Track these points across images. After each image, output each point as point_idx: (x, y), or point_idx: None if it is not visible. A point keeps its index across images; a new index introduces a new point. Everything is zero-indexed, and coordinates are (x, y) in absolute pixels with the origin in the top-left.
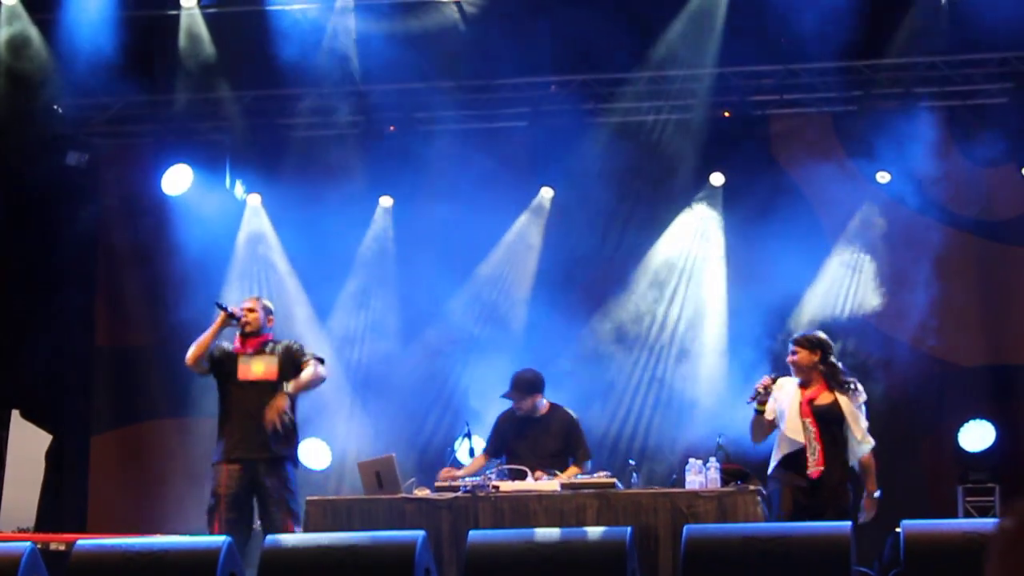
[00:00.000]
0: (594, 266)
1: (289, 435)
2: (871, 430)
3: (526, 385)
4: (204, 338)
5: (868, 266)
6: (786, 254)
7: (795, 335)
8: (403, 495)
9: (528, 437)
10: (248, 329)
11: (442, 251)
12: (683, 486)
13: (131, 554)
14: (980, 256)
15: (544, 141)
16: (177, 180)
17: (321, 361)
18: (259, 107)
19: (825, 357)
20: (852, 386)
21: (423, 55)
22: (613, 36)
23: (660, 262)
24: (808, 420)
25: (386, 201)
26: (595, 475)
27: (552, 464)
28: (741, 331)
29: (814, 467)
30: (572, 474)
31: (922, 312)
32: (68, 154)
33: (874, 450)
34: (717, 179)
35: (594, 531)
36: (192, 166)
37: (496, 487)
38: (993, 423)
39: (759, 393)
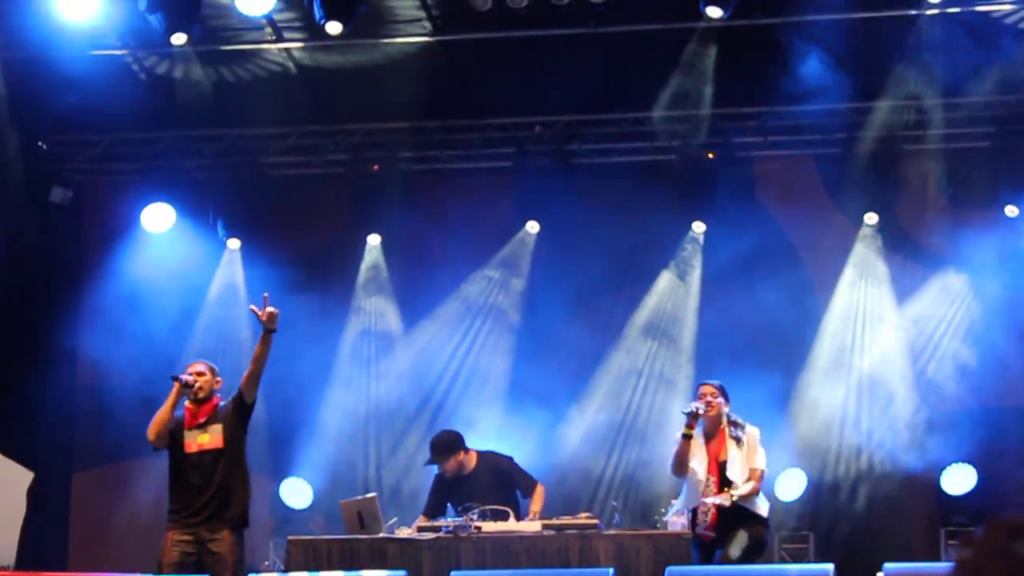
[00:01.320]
0: (581, 311)
1: (236, 500)
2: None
3: (443, 448)
4: (163, 412)
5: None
6: (770, 294)
7: (711, 380)
8: (385, 535)
9: (465, 495)
10: (200, 394)
11: (425, 289)
12: (666, 528)
13: None
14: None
15: (527, 181)
16: (158, 218)
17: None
18: (243, 145)
19: (727, 405)
20: (743, 431)
21: (406, 95)
22: (598, 77)
23: (646, 313)
24: (713, 479)
25: (374, 240)
26: (577, 516)
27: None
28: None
29: (706, 530)
30: (540, 496)
31: (899, 351)
32: (52, 190)
33: (759, 479)
34: (699, 227)
35: (576, 573)
36: (175, 204)
37: (478, 527)
38: (975, 466)
39: (694, 416)
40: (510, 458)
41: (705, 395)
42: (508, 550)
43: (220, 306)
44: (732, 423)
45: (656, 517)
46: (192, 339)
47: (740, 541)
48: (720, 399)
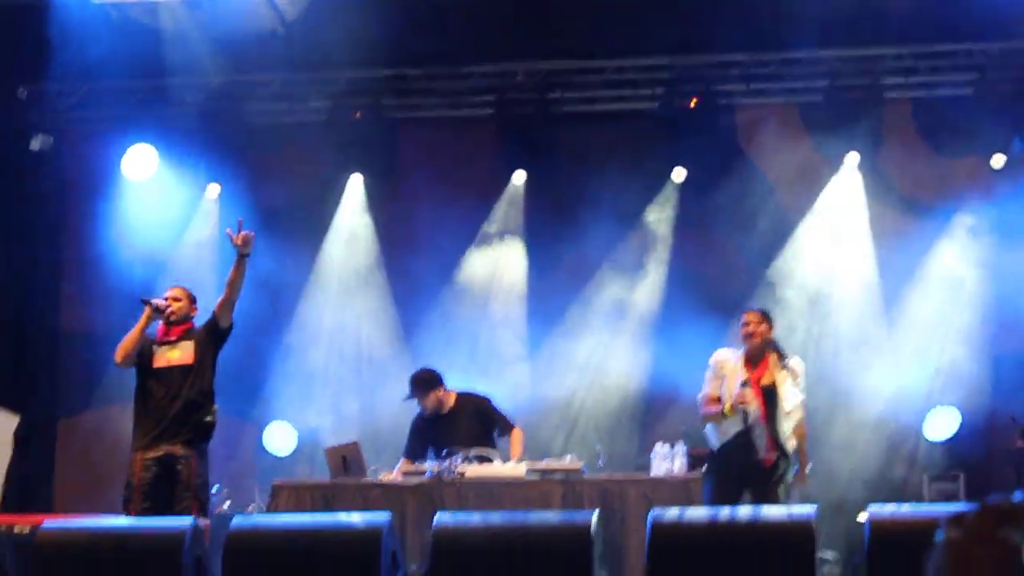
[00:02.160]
0: (566, 252)
1: (202, 423)
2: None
3: (422, 384)
4: (132, 335)
5: (834, 252)
6: (749, 240)
7: (751, 307)
8: (369, 480)
9: (444, 434)
10: (173, 318)
11: (404, 237)
12: (649, 471)
13: (96, 536)
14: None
15: (509, 129)
16: (140, 164)
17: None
18: (225, 92)
19: (773, 331)
20: (790, 362)
21: (389, 41)
22: (580, 24)
23: (626, 250)
24: (758, 403)
25: (356, 179)
26: (562, 459)
27: (479, 447)
28: (701, 314)
29: (765, 453)
30: (519, 439)
31: (880, 293)
32: (32, 138)
33: (804, 423)
34: (679, 175)
35: (559, 515)
36: (158, 150)
37: (462, 472)
38: (959, 410)
39: (738, 409)
40: (488, 398)
41: (749, 323)
42: (491, 494)
43: (195, 251)
44: (778, 351)
45: (640, 460)
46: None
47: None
48: (764, 325)
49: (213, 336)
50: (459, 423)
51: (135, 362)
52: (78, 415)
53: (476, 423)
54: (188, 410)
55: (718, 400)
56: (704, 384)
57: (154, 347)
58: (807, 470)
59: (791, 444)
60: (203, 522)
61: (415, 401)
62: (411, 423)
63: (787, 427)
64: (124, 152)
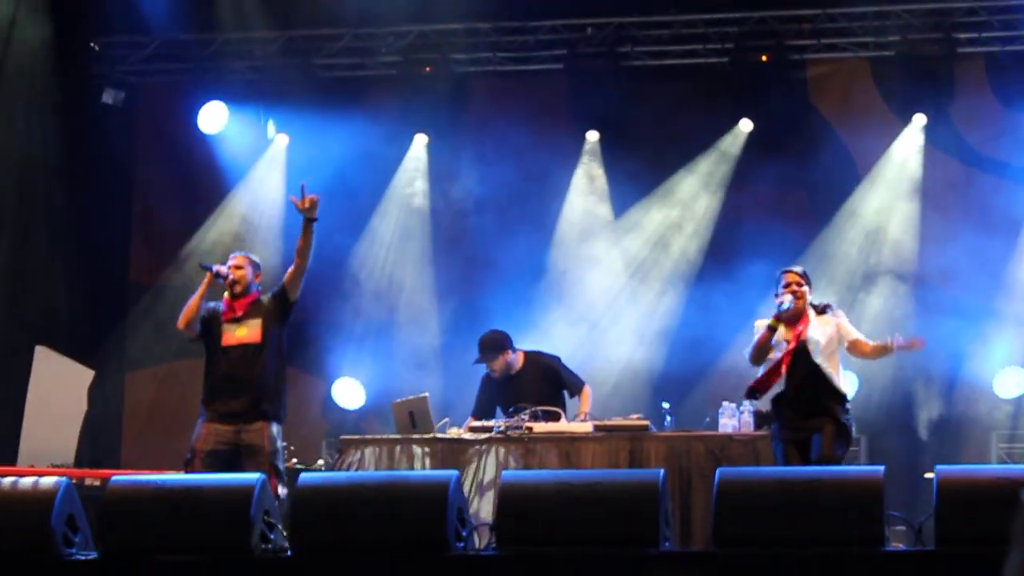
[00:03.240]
0: (632, 210)
1: (273, 395)
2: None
3: (492, 346)
4: (193, 301)
5: (903, 211)
6: (819, 196)
7: (794, 268)
8: (436, 435)
9: (512, 394)
10: (237, 289)
11: (480, 192)
12: (716, 429)
13: (165, 490)
14: (1014, 201)
15: (579, 84)
16: (213, 118)
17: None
18: (295, 47)
19: (811, 293)
20: (831, 309)
21: None
22: None
23: (695, 205)
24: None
25: (421, 139)
26: (629, 417)
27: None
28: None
29: (794, 406)
30: (586, 397)
31: (953, 259)
32: (104, 92)
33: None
34: (746, 125)
35: (627, 472)
36: (228, 105)
37: (529, 428)
38: None
39: (786, 311)
40: (557, 358)
41: (791, 284)
42: (558, 451)
43: (262, 197)
44: (817, 308)
45: (707, 420)
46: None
47: (830, 433)
48: (805, 288)
49: (282, 309)
50: (528, 383)
51: (199, 332)
52: (146, 369)
53: (545, 383)
54: (258, 391)
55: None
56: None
57: (222, 324)
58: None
59: (841, 384)
60: (282, 491)
61: (484, 365)
62: (480, 382)
63: (831, 368)
64: (194, 105)
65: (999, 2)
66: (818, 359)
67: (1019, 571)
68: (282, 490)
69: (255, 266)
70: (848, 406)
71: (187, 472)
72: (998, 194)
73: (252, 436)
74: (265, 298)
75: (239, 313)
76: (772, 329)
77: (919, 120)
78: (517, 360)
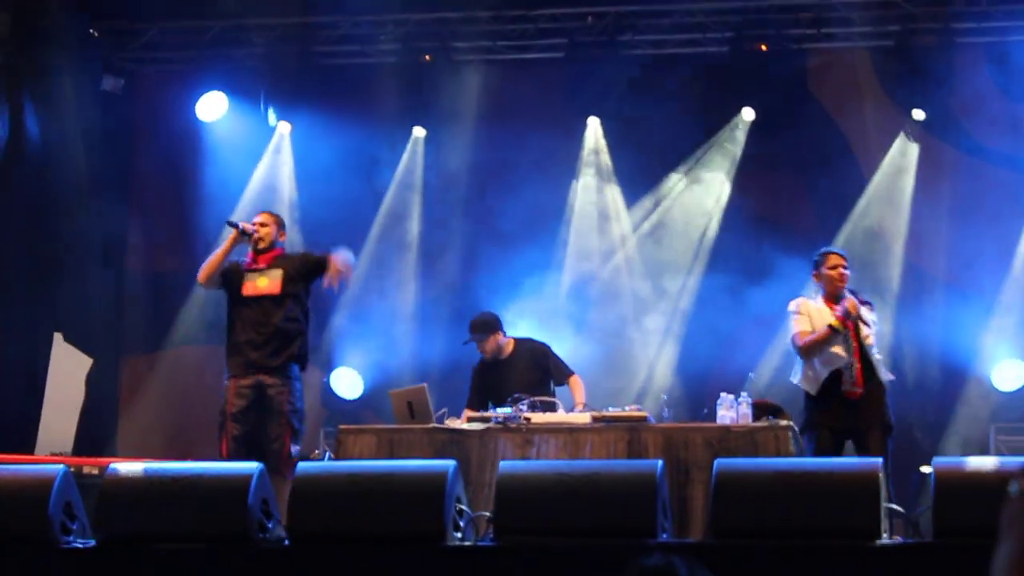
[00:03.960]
0: (632, 196)
1: (293, 344)
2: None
3: (483, 327)
4: (216, 256)
5: (902, 200)
6: (818, 185)
7: (833, 249)
8: (434, 425)
9: (503, 379)
10: (261, 245)
11: (478, 181)
12: (714, 420)
13: (163, 479)
14: (1015, 193)
15: (579, 73)
16: (211, 106)
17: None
18: (294, 34)
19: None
20: (871, 304)
21: None
22: None
23: (694, 193)
24: (850, 334)
25: (419, 131)
26: (626, 408)
27: (537, 394)
28: (772, 261)
29: (852, 387)
30: (579, 386)
31: (953, 249)
32: (103, 79)
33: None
34: (748, 114)
35: (624, 463)
36: (227, 93)
37: (527, 419)
38: None
39: (849, 315)
40: (547, 345)
41: (837, 266)
42: (556, 441)
43: (267, 185)
44: (853, 292)
45: (705, 411)
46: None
47: (880, 429)
48: (849, 270)
49: (307, 272)
50: (517, 369)
51: (219, 284)
52: (143, 356)
53: (535, 369)
54: (279, 338)
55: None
56: (793, 326)
57: (244, 274)
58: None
59: (887, 376)
60: (294, 449)
61: (474, 346)
62: (471, 372)
63: (878, 356)
64: (194, 93)
65: None
66: (875, 359)
67: (1007, 563)
68: (294, 448)
69: (280, 224)
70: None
71: (221, 437)
72: (998, 184)
73: (274, 393)
74: (294, 255)
75: (262, 265)
76: (836, 331)
77: (919, 112)
78: (508, 345)
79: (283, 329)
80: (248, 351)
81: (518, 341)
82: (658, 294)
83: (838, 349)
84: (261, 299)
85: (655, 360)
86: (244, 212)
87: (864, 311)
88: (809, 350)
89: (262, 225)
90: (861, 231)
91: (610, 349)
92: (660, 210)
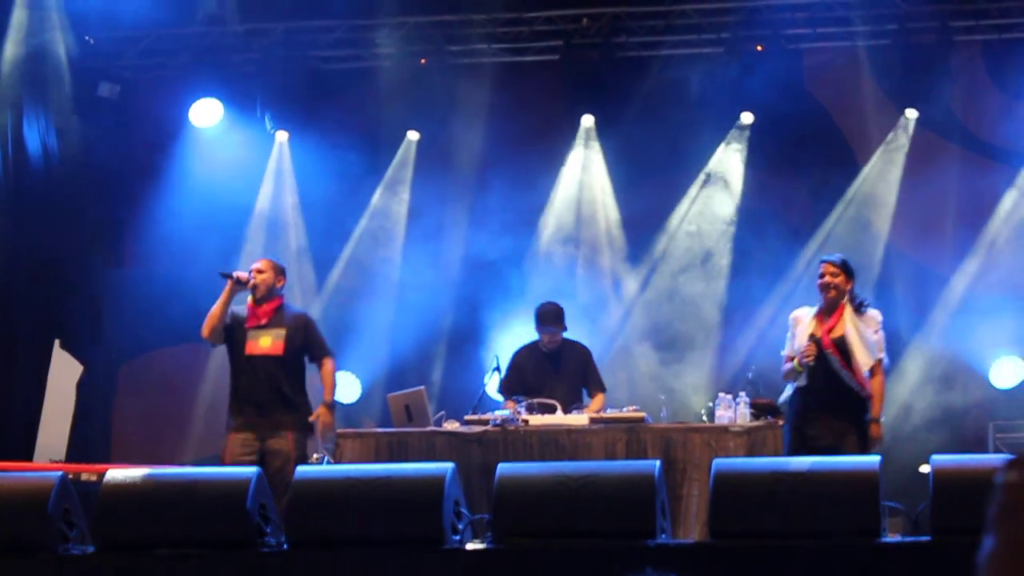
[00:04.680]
0: (631, 198)
1: (296, 407)
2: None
3: (556, 316)
4: (216, 310)
5: (896, 196)
6: (817, 183)
7: (832, 257)
8: (432, 428)
9: (547, 371)
10: (259, 294)
11: (471, 184)
12: (713, 420)
13: (161, 484)
14: (1010, 188)
15: (575, 75)
16: (206, 113)
17: (332, 353)
18: (290, 39)
19: (852, 282)
20: (868, 313)
21: None
22: None
23: (692, 194)
24: (831, 351)
25: (413, 135)
26: (624, 409)
27: (573, 393)
28: (770, 262)
29: (821, 407)
30: (600, 404)
31: (950, 246)
32: (100, 85)
33: (883, 372)
34: (747, 118)
35: (623, 464)
36: (222, 99)
37: (525, 421)
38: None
39: (804, 365)
40: (590, 352)
41: (824, 274)
42: (555, 443)
43: (272, 198)
44: (855, 302)
45: (701, 412)
46: (242, 233)
47: (852, 444)
48: (841, 277)
49: (305, 344)
50: (565, 366)
51: (223, 339)
52: (134, 359)
53: (579, 372)
54: (282, 402)
55: (792, 360)
56: (786, 343)
57: (246, 332)
58: (880, 426)
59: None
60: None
61: (537, 334)
62: (512, 358)
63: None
64: (189, 98)
65: None
66: (857, 370)
67: (993, 555)
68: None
69: (278, 270)
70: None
71: None
72: (997, 181)
73: (277, 442)
74: (291, 313)
75: (263, 320)
76: (795, 371)
77: (913, 112)
78: (560, 340)
79: (286, 389)
80: (250, 411)
81: (565, 339)
82: (656, 294)
83: (802, 381)
84: (263, 359)
85: (654, 360)
86: (253, 228)
87: (859, 325)
88: (784, 377)
89: (259, 272)
90: (849, 223)
91: (607, 348)
92: (657, 210)
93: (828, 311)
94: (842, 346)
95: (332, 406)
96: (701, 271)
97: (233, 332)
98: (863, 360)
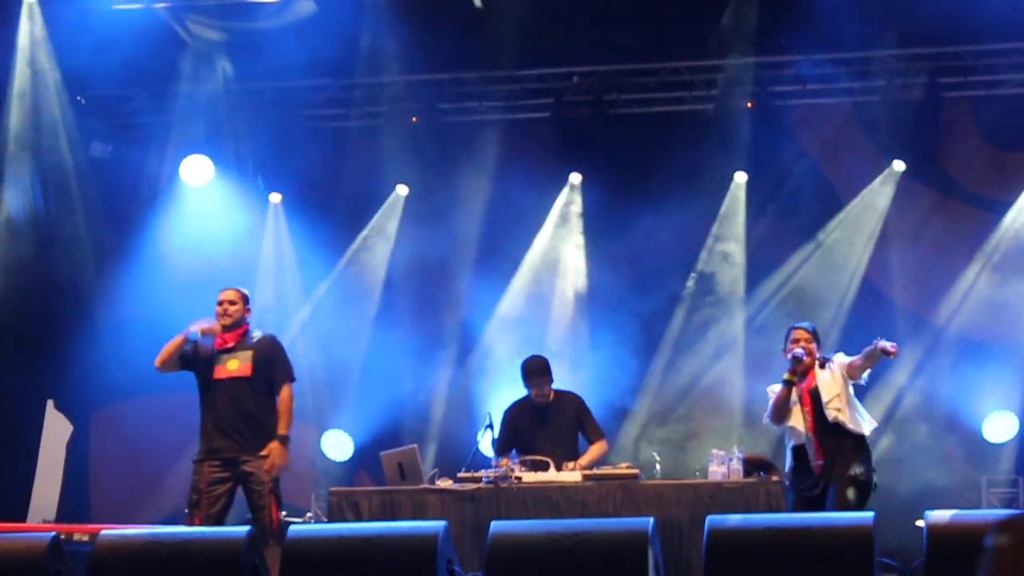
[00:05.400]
0: (624, 253)
1: (267, 428)
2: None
3: (541, 368)
4: (171, 347)
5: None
6: (807, 236)
7: (805, 324)
8: (425, 486)
9: (541, 425)
10: (228, 322)
11: (459, 241)
12: (706, 477)
13: (154, 544)
14: (1002, 240)
15: (566, 132)
16: (197, 170)
17: (292, 379)
18: (281, 98)
19: (820, 349)
20: (832, 362)
21: (446, 45)
22: (635, 27)
23: (685, 249)
24: (807, 410)
25: (402, 189)
26: (618, 466)
27: (569, 445)
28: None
29: (814, 459)
30: (600, 451)
31: (943, 300)
32: (92, 145)
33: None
34: (741, 177)
35: (616, 521)
36: (213, 157)
37: (519, 478)
38: (1018, 414)
39: (797, 361)
40: (583, 401)
41: (800, 340)
42: (549, 500)
43: (273, 263)
44: (821, 362)
45: (697, 470)
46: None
47: (851, 499)
48: (813, 344)
49: (271, 366)
50: (559, 419)
51: (178, 368)
52: (108, 407)
53: (573, 422)
54: (254, 421)
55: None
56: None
57: (214, 356)
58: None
59: (861, 428)
60: (282, 514)
61: (526, 389)
62: (504, 415)
63: (843, 416)
64: (181, 157)
65: (983, 47)
66: (828, 410)
67: None
68: (282, 513)
69: (246, 299)
70: (866, 455)
71: (191, 516)
72: (989, 234)
73: (252, 465)
74: (258, 337)
75: (230, 344)
76: (789, 384)
77: (900, 164)
78: (550, 392)
79: (257, 410)
80: (223, 434)
81: (557, 391)
82: (648, 350)
83: (797, 423)
84: (233, 381)
85: (644, 416)
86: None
87: (824, 376)
88: (777, 414)
89: (230, 303)
90: (847, 279)
91: (600, 405)
92: (648, 263)
93: (802, 377)
94: (817, 395)
95: (285, 440)
96: (685, 322)
97: (199, 360)
98: (829, 392)
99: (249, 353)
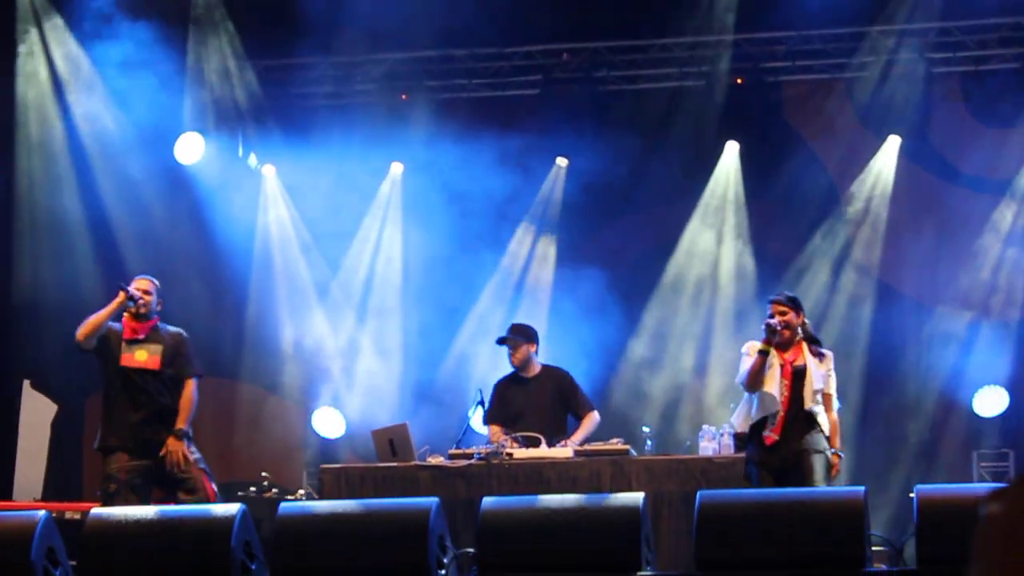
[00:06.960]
0: (611, 235)
1: (172, 414)
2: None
3: (522, 331)
4: (98, 317)
5: (878, 224)
6: (802, 217)
7: (780, 295)
8: (417, 463)
9: (526, 398)
10: (142, 311)
11: (452, 218)
12: (697, 452)
13: (145, 523)
14: (991, 218)
15: (555, 109)
16: (190, 149)
17: (198, 375)
18: (272, 76)
19: (802, 317)
20: (822, 349)
21: (434, 22)
22: (624, 3)
23: (673, 228)
24: (785, 383)
25: (397, 167)
26: (609, 442)
27: (553, 421)
28: (753, 294)
29: (770, 431)
30: (591, 424)
31: (932, 277)
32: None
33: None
34: (732, 148)
35: (607, 497)
36: (205, 135)
37: (510, 454)
38: (1007, 388)
39: (772, 331)
40: (571, 376)
41: (774, 315)
42: (540, 476)
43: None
44: (810, 337)
45: (687, 444)
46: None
47: (819, 470)
48: (790, 314)
49: (178, 359)
50: (541, 392)
51: (94, 347)
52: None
53: (556, 397)
54: (162, 412)
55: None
56: (741, 367)
57: (122, 344)
58: (838, 462)
59: (825, 419)
60: (213, 486)
61: (505, 349)
62: (493, 388)
63: (818, 408)
64: (170, 136)
65: (973, 22)
66: (807, 399)
67: None
68: (213, 486)
69: (160, 292)
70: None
71: (110, 504)
72: (977, 211)
73: (172, 451)
74: (168, 331)
75: (140, 336)
76: (764, 354)
77: (895, 140)
78: (535, 364)
79: (164, 403)
80: (132, 426)
81: (545, 366)
82: (640, 326)
83: (774, 390)
84: (139, 372)
85: (637, 392)
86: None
87: (814, 363)
88: (751, 382)
89: (146, 292)
90: (838, 258)
91: (590, 381)
92: (639, 244)
93: (786, 344)
94: (799, 376)
95: (182, 435)
96: (681, 303)
97: (107, 344)
98: (818, 391)
99: (159, 347)
